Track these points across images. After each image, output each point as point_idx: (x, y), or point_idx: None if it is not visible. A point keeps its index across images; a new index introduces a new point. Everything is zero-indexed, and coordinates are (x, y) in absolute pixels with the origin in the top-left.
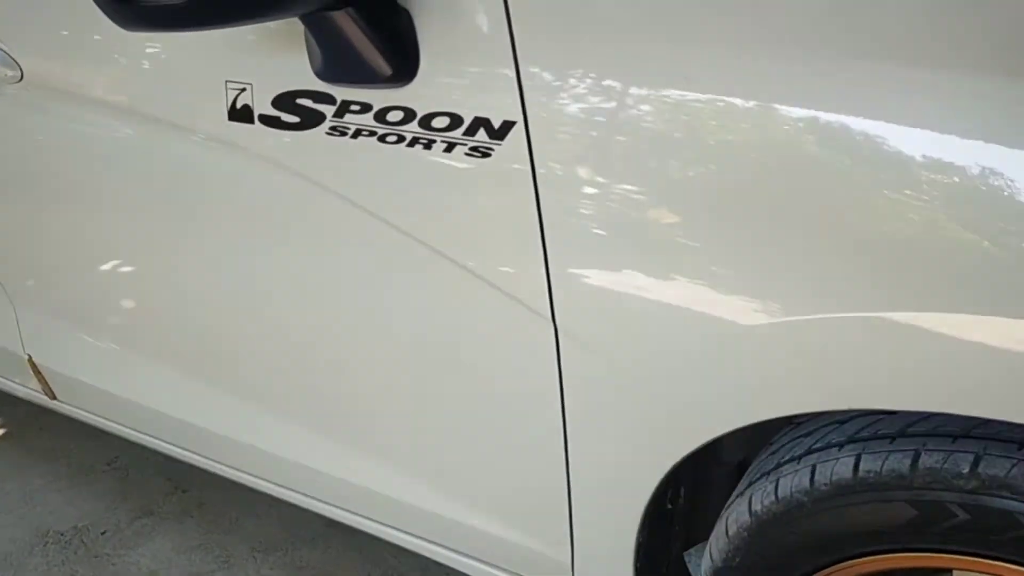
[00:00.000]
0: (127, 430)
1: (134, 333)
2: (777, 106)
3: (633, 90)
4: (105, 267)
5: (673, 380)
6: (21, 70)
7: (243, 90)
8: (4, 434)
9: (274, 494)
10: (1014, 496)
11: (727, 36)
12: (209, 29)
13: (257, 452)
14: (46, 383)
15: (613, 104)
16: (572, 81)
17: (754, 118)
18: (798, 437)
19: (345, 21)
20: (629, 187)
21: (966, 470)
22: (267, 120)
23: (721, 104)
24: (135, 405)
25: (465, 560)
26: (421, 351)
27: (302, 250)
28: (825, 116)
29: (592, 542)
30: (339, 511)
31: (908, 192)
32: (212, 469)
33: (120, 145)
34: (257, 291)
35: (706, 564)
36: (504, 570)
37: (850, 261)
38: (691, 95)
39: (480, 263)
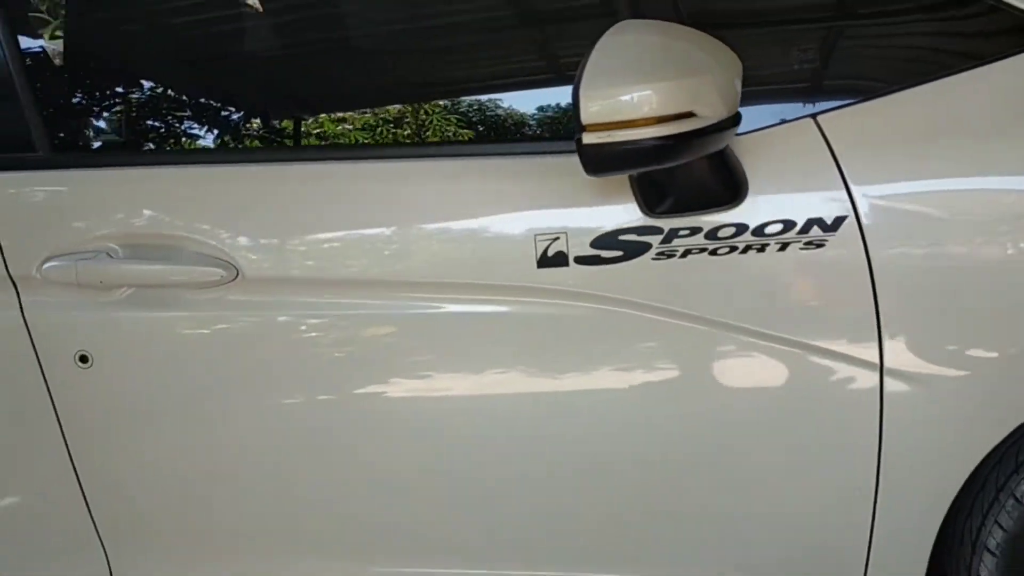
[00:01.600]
0: None
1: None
2: None
3: (935, 180)
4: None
5: (981, 386)
6: (238, 269)
7: (556, 239)
8: None
9: None
10: None
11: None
12: (667, 165)
13: None
14: None
15: (919, 193)
16: (888, 177)
17: None
18: None
19: (701, 164)
20: (944, 254)
21: None
22: (584, 260)
23: None
24: None
25: None
26: (754, 426)
27: (622, 366)
28: None
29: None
30: None
31: None
32: None
33: (375, 320)
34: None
35: (999, 535)
36: None
37: None
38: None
39: (817, 335)
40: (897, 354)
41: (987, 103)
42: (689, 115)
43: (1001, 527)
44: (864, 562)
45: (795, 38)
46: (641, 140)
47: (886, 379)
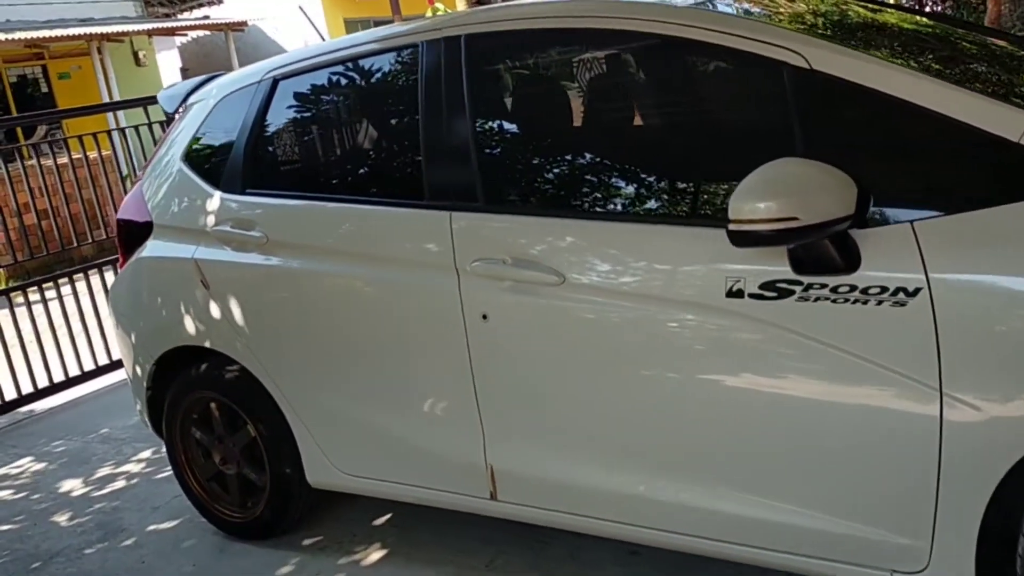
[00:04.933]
0: (565, 516)
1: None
2: None
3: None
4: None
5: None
6: (564, 277)
7: (738, 280)
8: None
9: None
10: None
11: None
12: (777, 247)
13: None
14: (495, 486)
15: (973, 279)
16: (952, 267)
17: None
18: None
19: (825, 244)
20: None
21: None
22: (754, 296)
23: None
24: (590, 490)
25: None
26: (850, 425)
27: (769, 370)
28: None
29: (947, 529)
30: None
31: None
32: (643, 539)
33: (630, 320)
34: (726, 395)
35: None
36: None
37: None
38: None
39: (898, 363)
40: (952, 384)
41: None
42: (794, 219)
43: None
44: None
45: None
46: (760, 231)
47: (945, 399)
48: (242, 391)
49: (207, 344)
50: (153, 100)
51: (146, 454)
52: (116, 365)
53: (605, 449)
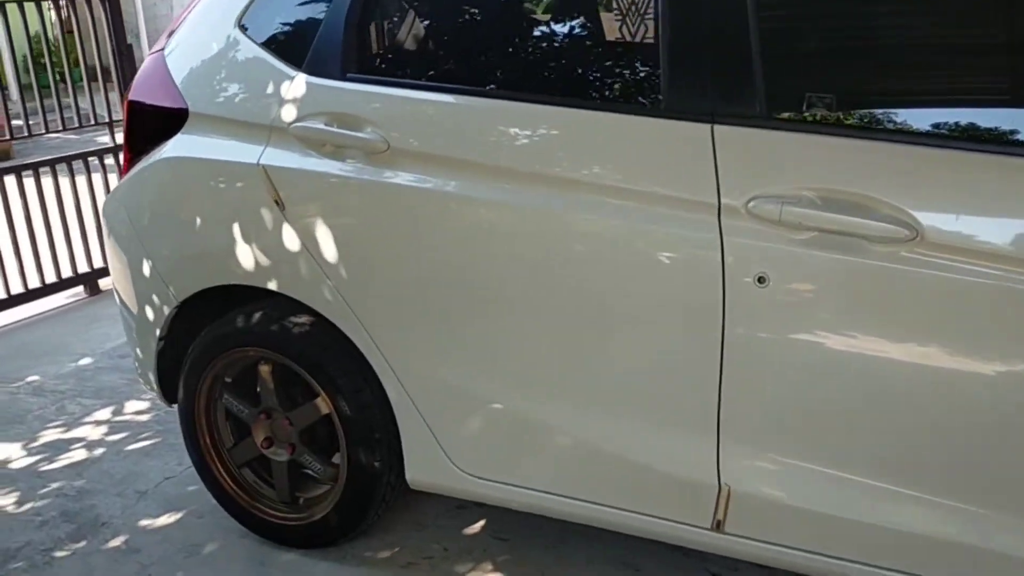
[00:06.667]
0: (822, 559)
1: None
2: None
3: None
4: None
5: None
6: (919, 232)
7: None
8: None
9: None
10: None
11: None
12: None
13: None
14: (725, 514)
15: None
16: None
17: None
18: None
19: None
20: None
21: None
22: None
23: None
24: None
25: None
26: None
27: None
28: None
29: None
30: None
31: None
32: None
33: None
34: None
35: None
36: None
37: None
38: None
39: None
40: None
41: None
42: None
43: None
44: None
45: None
46: None
47: None
48: (318, 353)
49: (271, 286)
50: None
51: (102, 415)
52: (32, 295)
53: (938, 480)
